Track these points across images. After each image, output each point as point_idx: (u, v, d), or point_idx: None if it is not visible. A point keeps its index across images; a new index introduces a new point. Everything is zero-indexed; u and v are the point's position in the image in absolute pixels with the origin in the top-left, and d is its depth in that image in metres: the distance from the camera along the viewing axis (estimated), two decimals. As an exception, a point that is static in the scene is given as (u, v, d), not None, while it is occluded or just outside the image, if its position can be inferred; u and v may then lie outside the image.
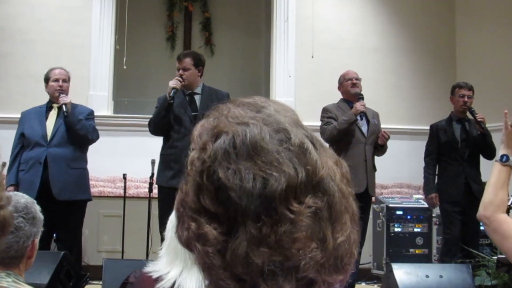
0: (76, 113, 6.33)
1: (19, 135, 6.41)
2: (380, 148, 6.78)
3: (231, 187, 0.90)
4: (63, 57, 8.66)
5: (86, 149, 6.54)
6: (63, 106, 6.23)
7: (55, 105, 6.41)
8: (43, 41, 8.84)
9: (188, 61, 6.20)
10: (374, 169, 6.80)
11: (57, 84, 6.38)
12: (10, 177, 6.20)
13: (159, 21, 10.31)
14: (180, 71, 6.14)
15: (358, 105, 6.57)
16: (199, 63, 6.24)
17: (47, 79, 6.47)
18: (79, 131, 6.27)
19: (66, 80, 6.48)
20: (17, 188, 6.07)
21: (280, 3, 9.43)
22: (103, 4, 9.06)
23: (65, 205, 6.05)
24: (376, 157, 6.89)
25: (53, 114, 6.39)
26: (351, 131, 6.59)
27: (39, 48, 8.80)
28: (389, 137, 6.71)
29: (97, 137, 6.51)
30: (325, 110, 6.83)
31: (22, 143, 6.35)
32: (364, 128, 6.72)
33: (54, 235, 6.41)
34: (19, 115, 8.38)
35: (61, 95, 6.30)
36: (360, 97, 6.69)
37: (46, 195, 5.93)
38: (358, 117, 6.60)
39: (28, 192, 5.76)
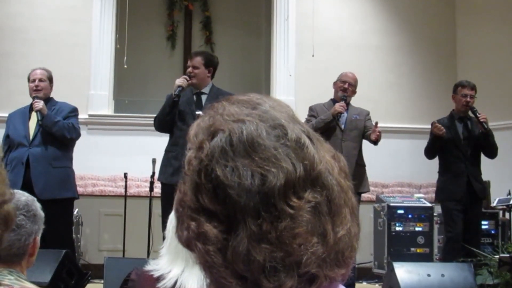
0: (51, 116, 6.32)
1: (5, 136, 6.46)
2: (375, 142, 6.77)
3: (229, 185, 0.91)
4: (63, 56, 8.67)
5: (70, 148, 6.55)
6: (37, 113, 6.25)
7: None
8: (43, 40, 8.84)
9: (198, 60, 6.22)
10: (359, 165, 6.79)
11: (33, 85, 6.41)
12: None
13: (159, 20, 10.30)
14: (190, 69, 6.17)
15: (337, 106, 6.68)
16: (209, 63, 6.26)
17: (28, 80, 6.51)
18: (56, 133, 6.29)
19: (43, 79, 6.49)
20: None
21: (280, 2, 9.42)
22: (103, 3, 9.05)
23: (50, 204, 6.01)
24: (368, 155, 6.92)
25: (35, 114, 6.39)
26: (331, 129, 6.67)
27: (39, 47, 8.80)
28: (377, 125, 6.66)
29: (78, 135, 6.51)
30: (309, 109, 7.04)
31: (8, 144, 6.38)
32: (343, 126, 6.78)
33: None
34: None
35: (35, 101, 6.31)
36: (343, 98, 6.74)
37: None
38: (344, 115, 6.71)
39: None
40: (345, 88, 6.87)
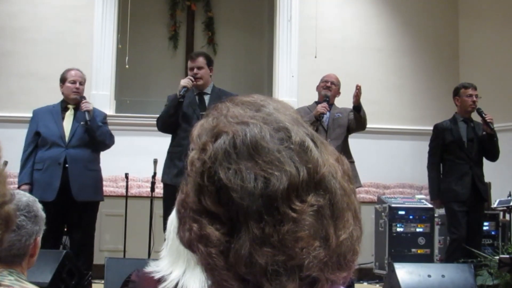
0: (96, 119, 6.33)
1: (32, 133, 6.33)
2: (358, 117, 6.67)
3: (232, 188, 0.90)
4: (65, 56, 8.67)
5: (100, 151, 6.56)
6: (86, 113, 6.21)
7: (70, 106, 6.38)
8: (45, 40, 8.84)
9: (201, 60, 6.23)
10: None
11: (74, 86, 6.34)
12: (23, 176, 6.17)
13: (161, 20, 10.31)
14: (195, 70, 6.16)
15: (319, 107, 6.63)
16: (210, 63, 6.30)
17: (63, 80, 6.41)
18: (98, 137, 6.29)
19: (82, 82, 6.45)
20: (31, 187, 6.06)
21: (283, 3, 9.42)
22: (105, 3, 9.06)
23: (81, 206, 6.09)
24: (370, 156, 6.91)
25: (69, 115, 6.35)
26: (315, 129, 6.62)
27: (41, 47, 8.80)
28: (359, 89, 6.50)
29: (113, 143, 6.53)
30: None
31: (36, 142, 6.29)
32: (326, 125, 6.77)
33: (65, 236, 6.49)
34: (21, 114, 8.37)
35: (84, 101, 6.27)
36: (325, 99, 6.72)
37: (63, 195, 5.98)
38: (326, 115, 6.67)
39: (45, 192, 5.81)
40: (328, 86, 6.85)
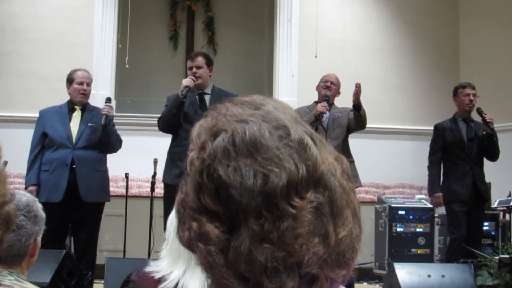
0: (111, 123, 6.33)
1: (39, 134, 6.30)
2: (358, 116, 6.66)
3: (231, 185, 0.90)
4: (65, 56, 8.67)
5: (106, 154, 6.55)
6: (103, 117, 6.20)
7: (77, 107, 6.37)
8: (45, 40, 8.83)
9: (201, 60, 6.23)
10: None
11: (81, 88, 6.33)
12: (30, 177, 6.16)
13: (161, 20, 10.30)
14: (194, 69, 6.17)
15: (318, 106, 6.62)
16: (210, 62, 6.31)
17: (70, 80, 6.38)
18: (111, 142, 6.31)
19: (89, 83, 6.44)
20: (38, 188, 6.06)
21: (283, 3, 9.42)
22: (106, 3, 9.05)
23: (87, 206, 6.09)
24: (370, 156, 6.90)
25: (76, 116, 6.33)
26: (315, 129, 6.62)
27: (41, 46, 8.80)
28: (359, 88, 6.48)
29: (120, 148, 6.53)
30: None
31: (43, 143, 6.26)
32: (326, 125, 6.76)
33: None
34: (21, 114, 8.37)
35: (107, 103, 6.28)
36: (325, 99, 6.71)
37: (70, 196, 5.98)
38: (326, 115, 6.66)
39: (52, 193, 5.80)
40: (328, 86, 6.86)
